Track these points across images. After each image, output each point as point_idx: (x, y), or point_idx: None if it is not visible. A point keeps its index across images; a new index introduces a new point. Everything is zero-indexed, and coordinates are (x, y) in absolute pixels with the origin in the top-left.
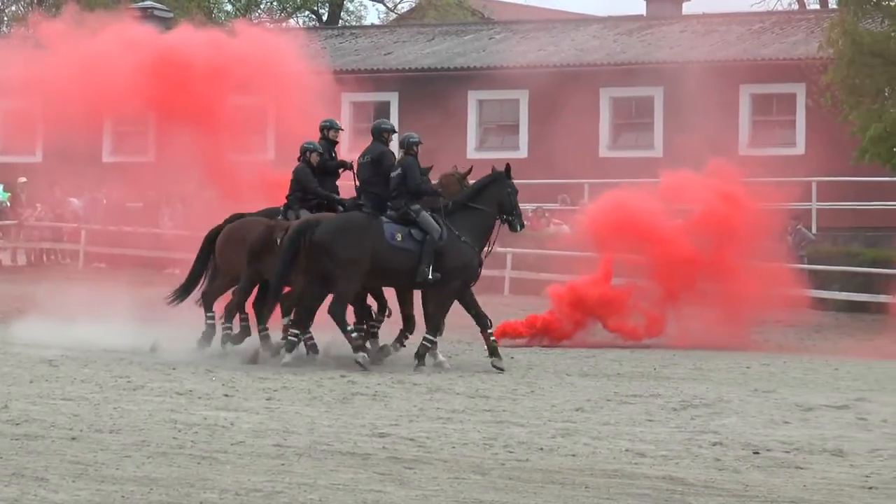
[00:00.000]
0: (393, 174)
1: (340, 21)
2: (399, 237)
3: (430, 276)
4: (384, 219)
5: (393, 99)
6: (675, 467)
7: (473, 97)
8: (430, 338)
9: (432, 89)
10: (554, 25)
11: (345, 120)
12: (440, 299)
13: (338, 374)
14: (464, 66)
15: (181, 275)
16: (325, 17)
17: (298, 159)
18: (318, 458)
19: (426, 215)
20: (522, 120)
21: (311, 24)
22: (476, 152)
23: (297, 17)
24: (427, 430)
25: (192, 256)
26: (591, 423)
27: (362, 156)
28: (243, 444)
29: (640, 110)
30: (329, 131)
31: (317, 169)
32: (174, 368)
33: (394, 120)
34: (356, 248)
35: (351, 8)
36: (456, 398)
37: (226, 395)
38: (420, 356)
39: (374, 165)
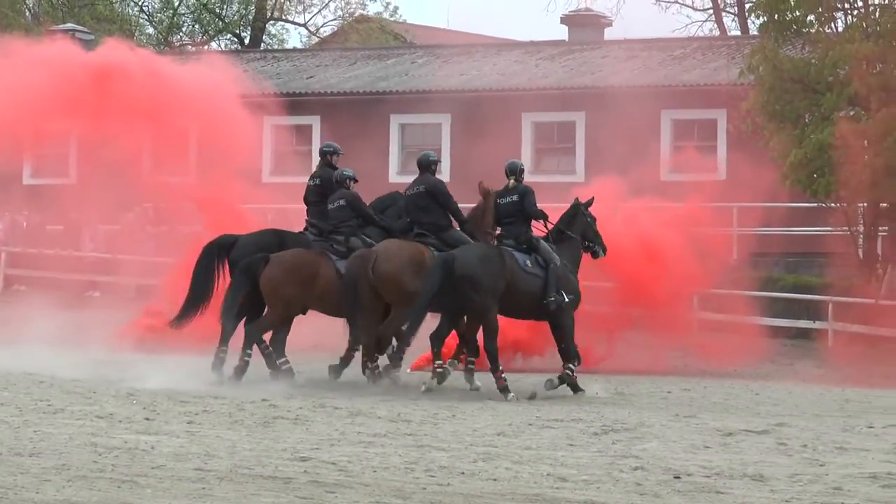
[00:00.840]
0: (505, 200)
1: (262, 45)
2: (529, 264)
3: (566, 300)
4: (509, 248)
5: (315, 122)
6: (597, 492)
7: (395, 121)
8: (572, 366)
9: (354, 113)
10: (476, 50)
11: (266, 143)
12: (565, 328)
13: (259, 397)
14: (386, 91)
15: (102, 298)
16: (246, 41)
17: (338, 185)
18: (240, 481)
19: (544, 243)
20: (445, 144)
21: (232, 47)
22: (398, 176)
23: (218, 40)
24: (348, 455)
25: (113, 280)
26: (512, 448)
27: (412, 187)
28: (164, 467)
29: (562, 135)
30: (332, 156)
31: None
32: (94, 392)
33: (315, 144)
34: (499, 278)
35: (273, 31)
36: (377, 422)
37: (146, 419)
38: (572, 385)
39: (430, 196)
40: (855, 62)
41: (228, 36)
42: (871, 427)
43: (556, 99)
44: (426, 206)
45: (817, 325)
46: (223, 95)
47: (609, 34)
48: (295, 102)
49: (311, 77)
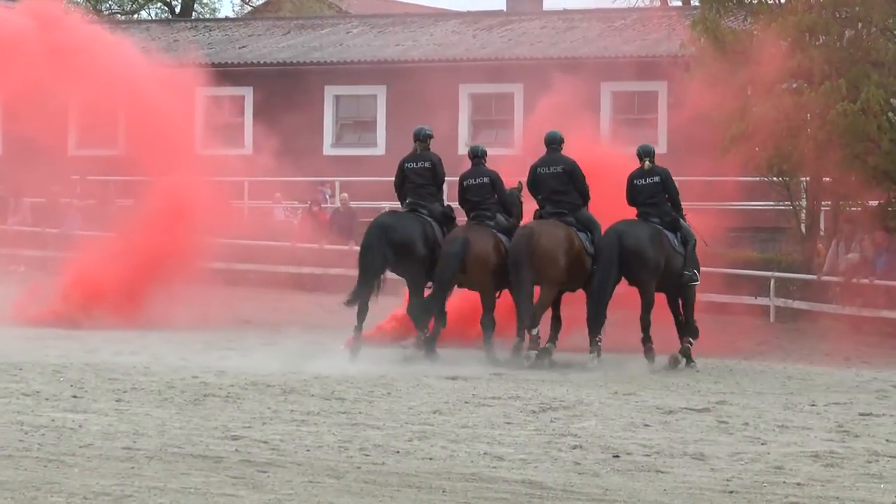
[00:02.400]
0: (645, 182)
1: (194, 14)
2: (676, 242)
3: (698, 277)
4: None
5: (248, 93)
6: (534, 471)
7: (330, 92)
8: (692, 340)
9: (288, 84)
10: (413, 20)
11: (199, 114)
12: (690, 304)
13: (189, 374)
14: (320, 61)
15: (26, 272)
16: (177, 10)
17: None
18: (169, 461)
19: (684, 222)
20: (380, 116)
21: (163, 16)
22: (332, 148)
23: (148, 9)
24: (281, 433)
25: (39, 253)
26: (448, 426)
27: (546, 166)
28: (92, 446)
29: (500, 107)
30: (430, 140)
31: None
32: (20, 369)
33: (248, 115)
34: (661, 255)
35: (205, 0)
36: (311, 400)
37: (74, 397)
38: (688, 357)
39: (567, 176)
40: (798, 34)
41: (159, 5)
42: (813, 405)
43: (494, 70)
44: (564, 186)
45: (759, 301)
46: (152, 65)
47: (548, 4)
48: (227, 73)
49: (243, 47)
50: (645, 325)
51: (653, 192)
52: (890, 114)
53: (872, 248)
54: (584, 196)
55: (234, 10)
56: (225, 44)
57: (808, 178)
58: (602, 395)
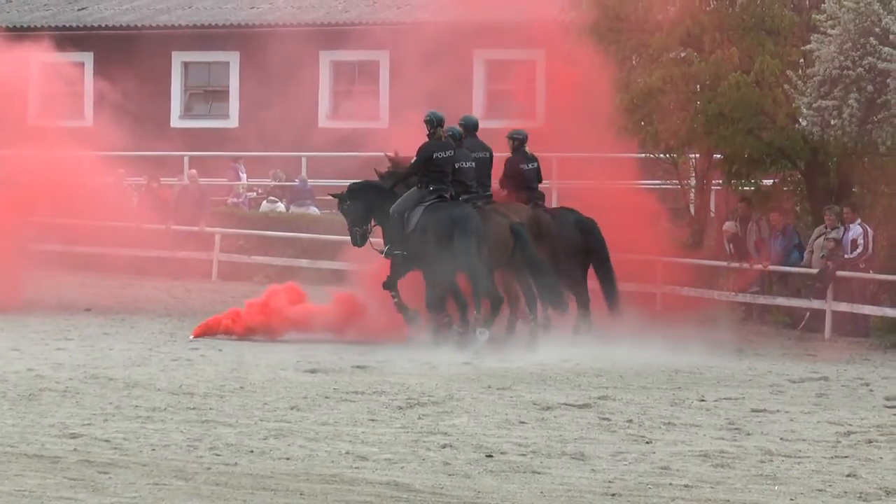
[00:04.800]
0: (529, 167)
1: None
2: None
3: None
4: None
5: (88, 60)
6: (401, 472)
7: (178, 59)
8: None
9: (132, 50)
10: None
11: (34, 82)
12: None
13: (24, 367)
14: (167, 24)
15: None
16: None
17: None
18: (1, 461)
19: None
20: (233, 85)
21: None
22: (181, 120)
23: None
24: (124, 431)
25: None
26: (307, 423)
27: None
28: None
29: (364, 76)
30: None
31: None
32: None
33: (87, 83)
34: None
35: None
36: (156, 395)
37: None
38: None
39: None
40: None
41: None
42: (702, 400)
43: (358, 36)
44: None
45: (645, 287)
46: None
47: None
48: (65, 37)
49: (82, 9)
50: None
51: (536, 177)
52: (786, 86)
53: (768, 230)
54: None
55: None
56: (62, 5)
57: (697, 155)
58: (474, 390)
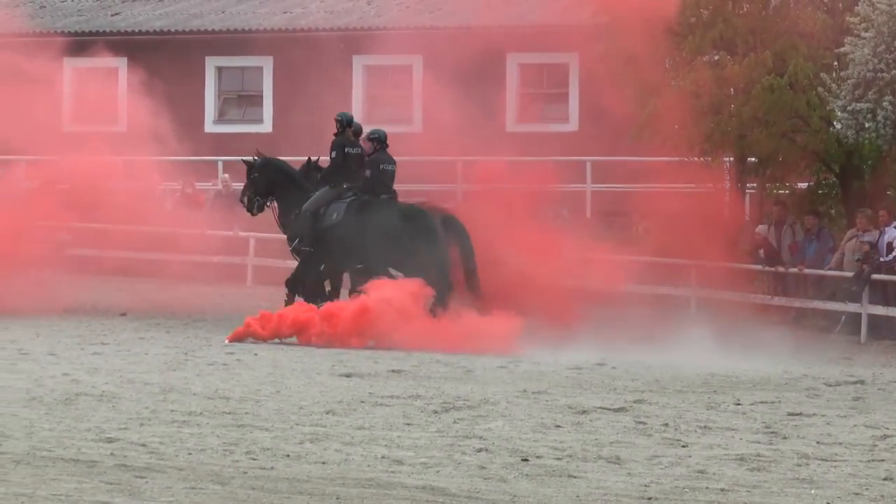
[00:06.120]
0: (390, 167)
1: None
2: None
3: None
4: None
5: (122, 65)
6: (436, 476)
7: (211, 63)
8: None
9: (165, 55)
10: None
11: (66, 87)
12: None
13: (60, 371)
14: (200, 29)
15: None
16: None
17: None
18: (38, 465)
19: None
20: (266, 90)
21: None
22: (214, 125)
23: None
24: (160, 435)
25: None
26: (343, 427)
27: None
28: None
29: (397, 79)
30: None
31: None
32: None
33: (121, 89)
34: None
35: None
36: (192, 399)
37: None
38: None
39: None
40: (720, 2)
41: None
42: (738, 404)
43: (392, 40)
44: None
45: (679, 291)
46: (14, 34)
47: None
48: (98, 43)
49: (116, 14)
50: None
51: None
52: (820, 89)
53: (802, 234)
54: None
55: None
56: (96, 10)
57: (731, 159)
58: (509, 394)
